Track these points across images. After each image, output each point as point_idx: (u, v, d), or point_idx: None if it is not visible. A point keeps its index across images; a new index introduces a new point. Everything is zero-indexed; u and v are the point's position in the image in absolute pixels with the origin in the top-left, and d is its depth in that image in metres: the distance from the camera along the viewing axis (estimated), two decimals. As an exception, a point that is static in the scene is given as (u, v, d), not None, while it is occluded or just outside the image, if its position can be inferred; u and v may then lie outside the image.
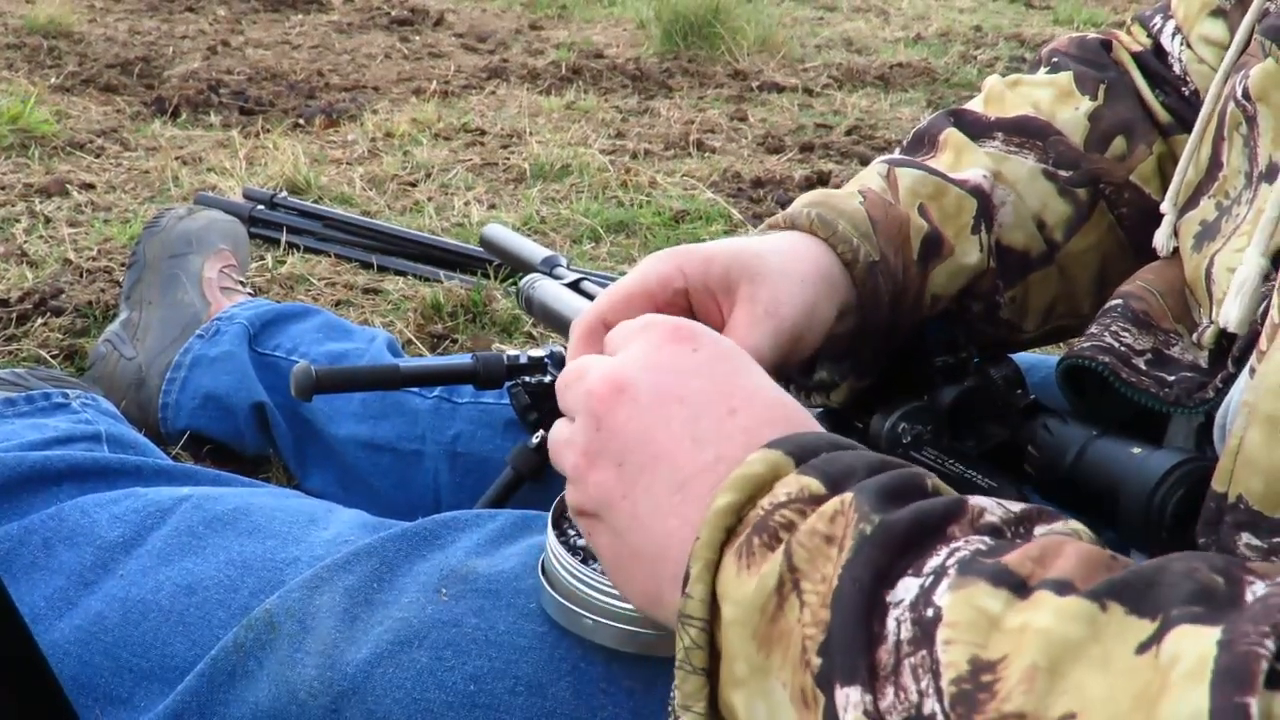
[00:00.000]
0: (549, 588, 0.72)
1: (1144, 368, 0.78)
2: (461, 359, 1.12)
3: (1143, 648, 0.41)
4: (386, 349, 1.43)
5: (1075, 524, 0.51)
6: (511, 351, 1.11)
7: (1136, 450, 0.76)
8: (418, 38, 4.52)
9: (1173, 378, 0.77)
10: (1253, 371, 0.62)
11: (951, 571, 0.46)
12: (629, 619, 0.69)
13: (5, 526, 0.91)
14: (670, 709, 0.55)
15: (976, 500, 0.51)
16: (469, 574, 0.77)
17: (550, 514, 0.76)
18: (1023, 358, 1.04)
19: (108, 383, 1.50)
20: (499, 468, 1.15)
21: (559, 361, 1.12)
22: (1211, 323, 0.76)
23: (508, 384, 1.13)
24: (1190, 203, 0.85)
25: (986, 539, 0.49)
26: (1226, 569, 0.43)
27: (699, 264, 0.78)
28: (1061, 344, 1.07)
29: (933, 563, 0.47)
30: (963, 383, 0.89)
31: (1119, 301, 0.83)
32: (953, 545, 0.48)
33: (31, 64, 3.60)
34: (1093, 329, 0.82)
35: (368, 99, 3.45)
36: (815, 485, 0.52)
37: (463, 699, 0.71)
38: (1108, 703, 0.40)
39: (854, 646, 0.46)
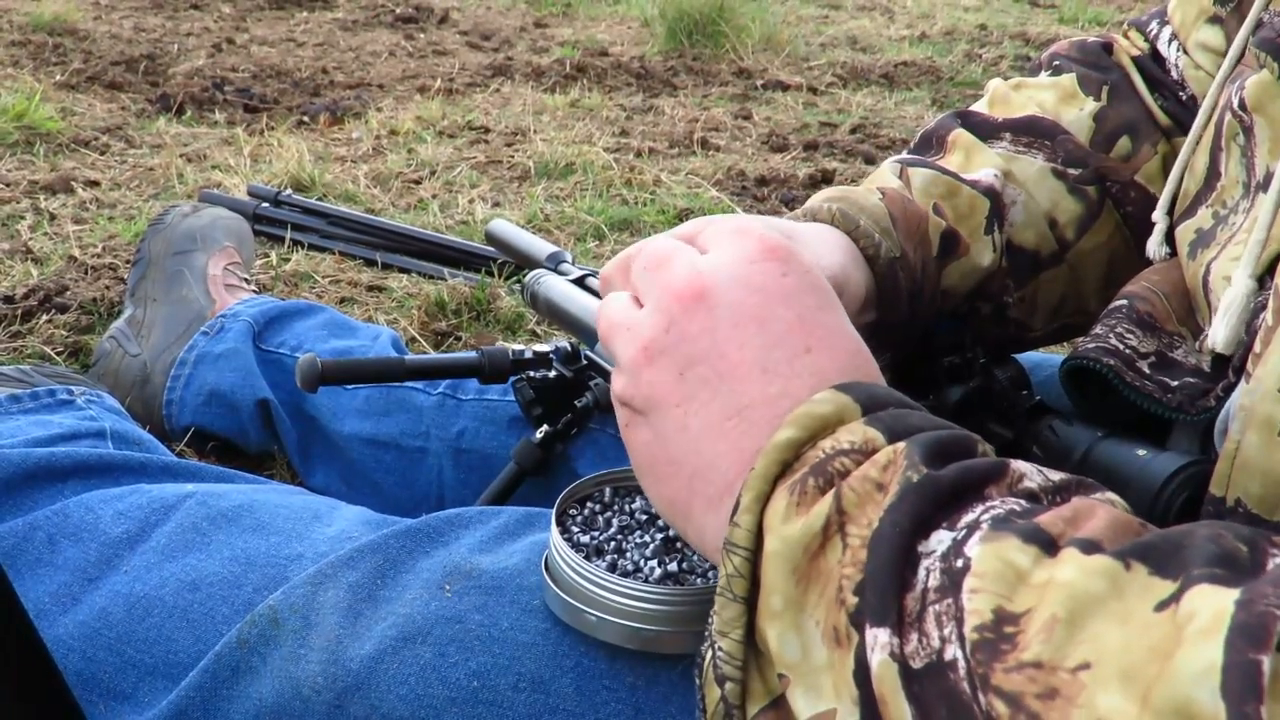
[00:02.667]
0: (552, 584, 0.72)
1: (1148, 371, 0.78)
2: (467, 354, 1.12)
3: (1162, 605, 0.41)
4: (391, 346, 1.44)
5: (1112, 495, 0.52)
6: (517, 346, 1.11)
7: (1142, 453, 0.76)
8: (422, 35, 4.52)
9: (1176, 383, 0.77)
10: (1248, 376, 0.62)
11: (984, 526, 0.47)
12: (632, 615, 0.69)
13: (10, 522, 0.91)
14: (708, 635, 0.55)
15: (1018, 465, 0.52)
16: (473, 570, 0.77)
17: (554, 511, 0.76)
18: (1027, 357, 1.04)
19: (112, 379, 1.51)
20: (503, 464, 1.15)
21: (564, 357, 1.12)
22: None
23: (512, 379, 1.13)
24: (1188, 212, 0.85)
25: (1022, 501, 0.49)
26: (1252, 538, 0.44)
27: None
28: (1066, 344, 1.07)
29: (967, 518, 0.48)
30: (968, 383, 0.89)
31: (1124, 302, 0.83)
32: (989, 504, 0.49)
33: (37, 61, 3.60)
34: (1097, 329, 0.82)
35: (372, 96, 3.45)
36: (879, 440, 0.53)
37: (466, 695, 0.71)
38: (1122, 654, 0.40)
39: (888, 589, 0.47)
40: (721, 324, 0.60)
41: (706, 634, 0.55)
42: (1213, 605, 0.39)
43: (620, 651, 0.71)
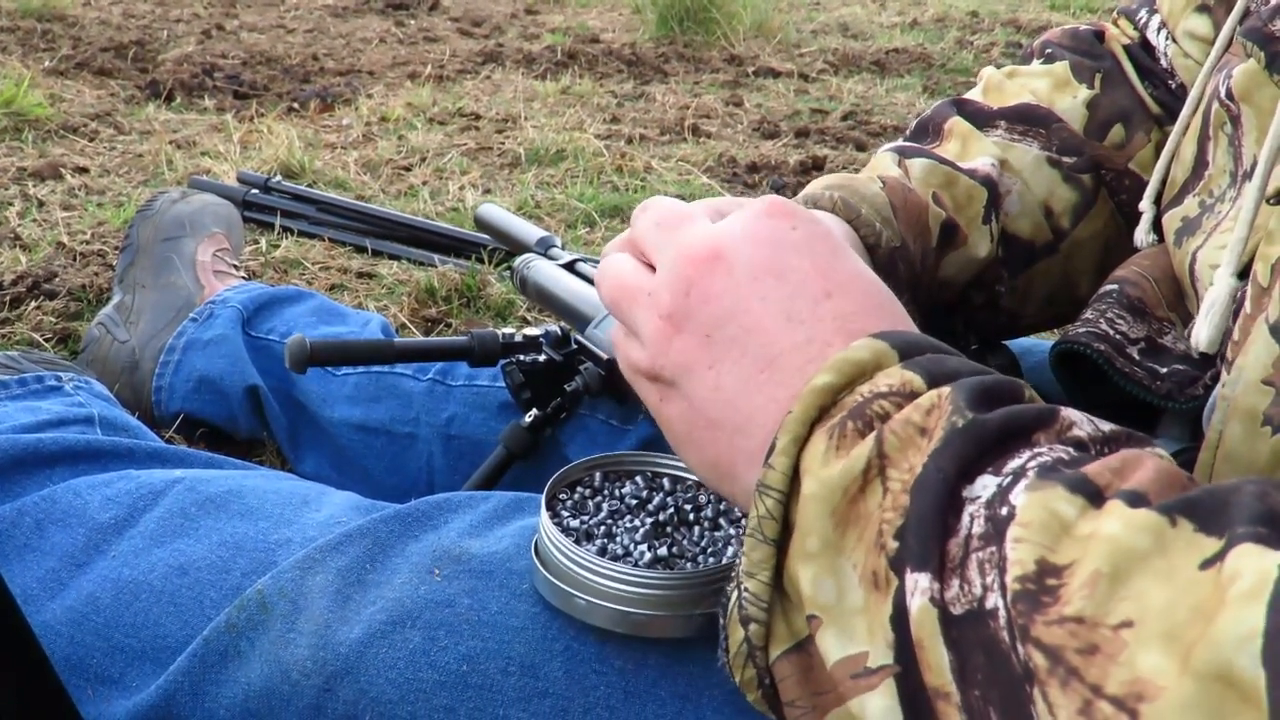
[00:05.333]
0: (542, 568, 0.72)
1: (1137, 357, 0.78)
2: (456, 337, 1.12)
3: (1206, 564, 0.40)
4: (380, 333, 1.43)
5: (1161, 449, 0.51)
6: (506, 330, 1.10)
7: (1131, 439, 0.76)
8: (413, 22, 4.51)
9: (1165, 370, 0.77)
10: (1229, 366, 0.62)
11: (1031, 474, 0.46)
12: (621, 599, 0.69)
13: (-2, 508, 0.91)
14: (734, 575, 0.55)
15: (1068, 413, 0.51)
16: (462, 555, 0.77)
17: (544, 495, 0.75)
18: (1018, 343, 1.04)
19: (101, 366, 1.50)
20: (493, 450, 1.15)
21: (554, 341, 1.11)
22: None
23: (502, 362, 1.13)
24: (1175, 200, 0.85)
25: (1070, 450, 0.49)
26: None
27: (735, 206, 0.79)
28: (1057, 330, 1.07)
29: (1013, 464, 0.48)
30: (959, 369, 0.89)
31: (1114, 287, 0.83)
32: (1036, 450, 0.48)
33: (25, 47, 3.59)
34: (1088, 314, 0.82)
35: (362, 83, 3.44)
36: (918, 382, 0.52)
37: (455, 679, 0.71)
38: (1165, 613, 0.40)
39: (930, 535, 0.47)
40: (740, 282, 0.60)
41: (733, 575, 0.56)
42: (1257, 567, 0.39)
43: (610, 636, 0.71)
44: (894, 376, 0.53)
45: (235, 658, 0.77)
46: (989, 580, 0.44)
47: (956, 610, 0.45)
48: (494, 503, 0.83)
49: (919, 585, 0.46)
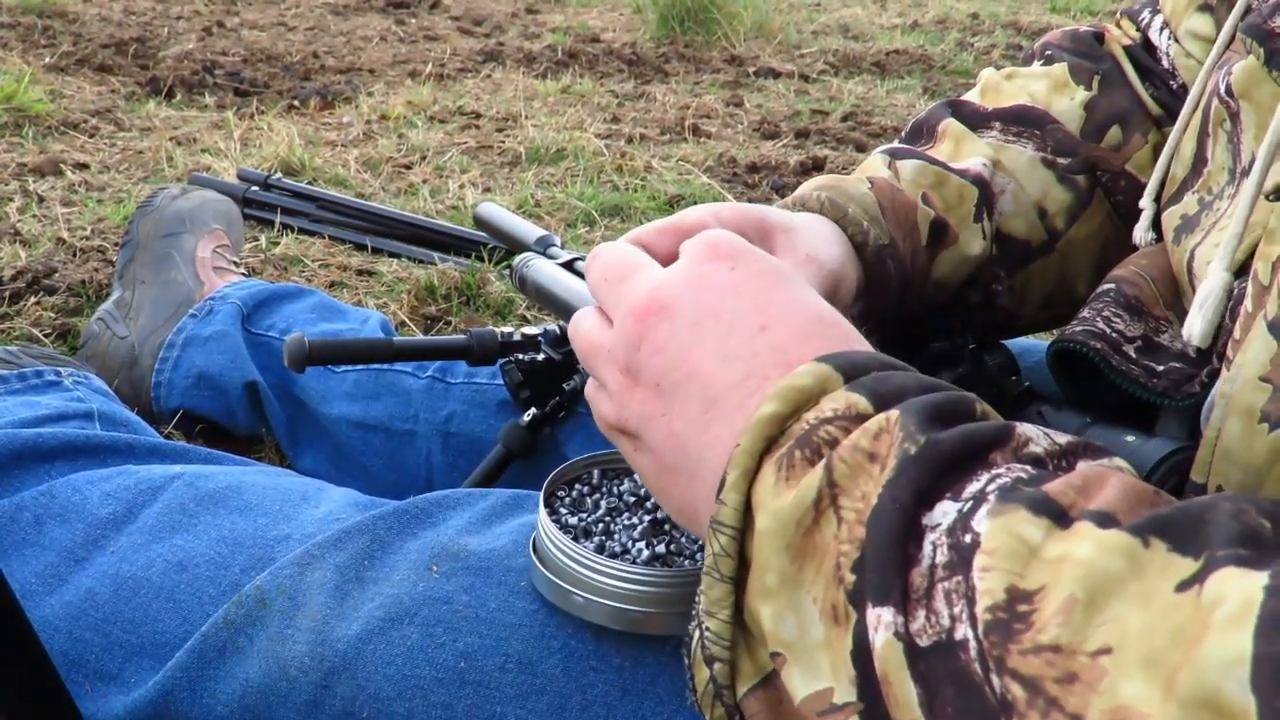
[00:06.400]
0: (540, 565, 0.72)
1: (1134, 355, 0.78)
2: (455, 336, 1.12)
3: (1183, 586, 0.40)
4: (380, 330, 1.43)
5: (1120, 461, 0.50)
6: (505, 329, 1.10)
7: (1130, 438, 0.76)
8: (413, 20, 4.51)
9: (1161, 367, 0.77)
10: (1229, 363, 0.61)
11: (991, 498, 0.46)
12: (619, 596, 0.69)
13: (-3, 503, 0.91)
14: (694, 615, 0.55)
15: (1023, 428, 0.51)
16: (460, 551, 0.77)
17: (542, 492, 0.76)
18: (1016, 343, 1.05)
19: (100, 361, 1.50)
20: (492, 448, 1.15)
21: (552, 340, 1.11)
22: None
23: (501, 361, 1.13)
24: (1174, 197, 0.85)
25: (1029, 468, 0.48)
26: (1275, 512, 0.43)
27: (737, 214, 0.79)
28: (1055, 330, 1.07)
29: (972, 488, 0.47)
30: (957, 369, 0.89)
31: (1111, 286, 0.83)
32: (994, 471, 0.48)
33: (26, 43, 3.59)
34: (1085, 313, 0.82)
35: (363, 81, 3.44)
36: (863, 404, 0.52)
37: (453, 675, 0.71)
38: (1144, 638, 0.39)
39: (889, 567, 0.46)
40: (681, 330, 0.60)
41: (694, 614, 0.55)
42: (1241, 590, 0.38)
43: (607, 633, 0.71)
44: (839, 400, 0.52)
45: (233, 654, 0.77)
46: (957, 610, 0.44)
47: (923, 642, 0.44)
48: (492, 500, 0.83)
49: (881, 620, 0.45)
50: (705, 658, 0.53)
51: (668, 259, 0.83)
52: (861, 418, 0.51)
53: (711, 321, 0.60)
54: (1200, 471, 0.61)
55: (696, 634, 0.54)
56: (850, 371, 0.54)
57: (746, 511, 0.52)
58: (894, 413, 0.50)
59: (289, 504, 0.88)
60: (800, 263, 0.78)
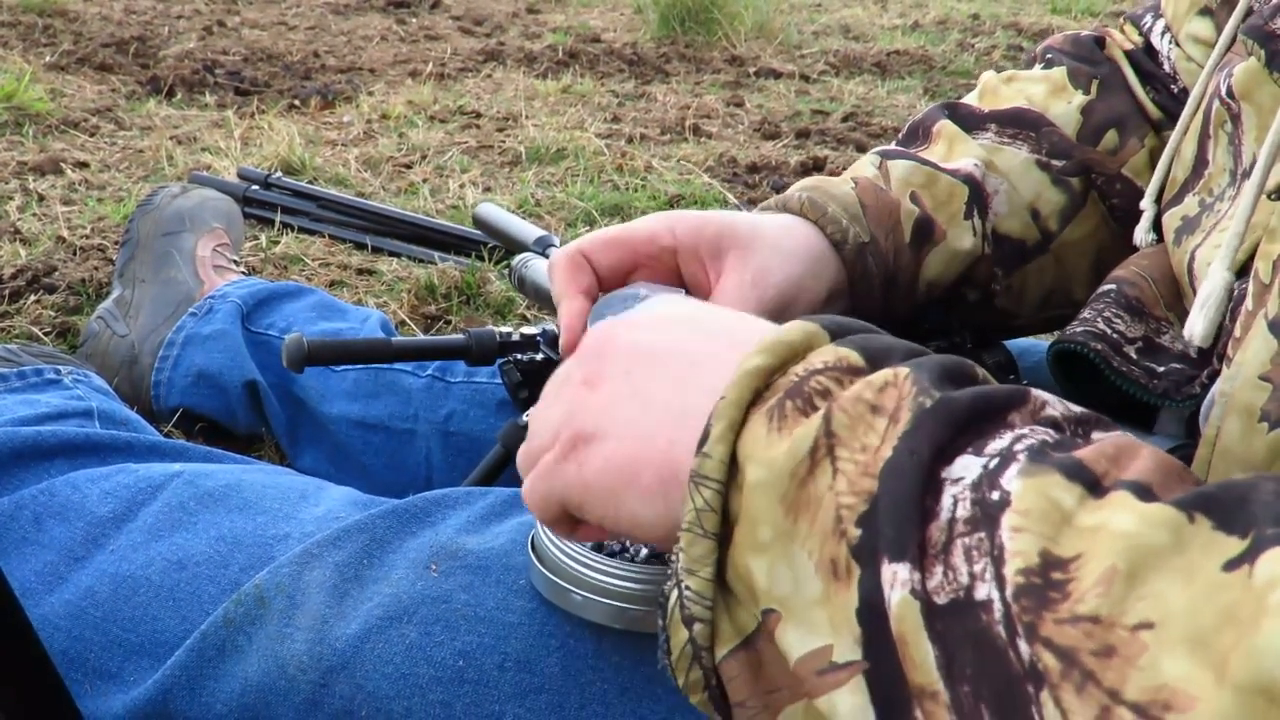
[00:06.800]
0: (538, 564, 0.72)
1: (1135, 356, 0.78)
2: (454, 336, 1.12)
3: (1231, 565, 0.38)
4: (380, 329, 1.43)
5: (1131, 435, 0.49)
6: (504, 329, 1.10)
7: (1128, 436, 0.76)
8: (414, 20, 4.51)
9: (1162, 369, 0.77)
10: (1228, 362, 0.61)
11: (1021, 457, 0.44)
12: (618, 595, 0.69)
13: (-4, 501, 0.91)
14: (671, 574, 0.52)
15: (1039, 392, 0.50)
16: (459, 550, 0.77)
17: (541, 491, 0.75)
18: (1015, 343, 1.05)
19: (100, 360, 1.50)
20: (491, 447, 1.15)
21: (552, 340, 1.11)
22: None
23: (500, 361, 1.13)
24: (1175, 199, 0.85)
25: (1051, 432, 0.47)
26: None
27: (692, 227, 0.79)
28: (1055, 332, 1.07)
29: (996, 445, 0.46)
30: (956, 367, 0.89)
31: (1112, 286, 0.83)
32: (1017, 432, 0.46)
33: (26, 42, 3.59)
34: (1085, 313, 0.82)
35: (363, 81, 3.44)
36: (855, 357, 0.51)
37: (452, 674, 0.71)
38: (1189, 616, 0.38)
39: (906, 522, 0.44)
40: (647, 329, 0.60)
41: (670, 574, 0.53)
42: None
43: (606, 631, 0.71)
44: (828, 354, 0.52)
45: (232, 653, 0.77)
46: (978, 569, 0.42)
47: (940, 600, 0.43)
48: (491, 499, 0.83)
49: (898, 577, 0.44)
50: (684, 618, 0.52)
51: (612, 273, 0.84)
52: (854, 370, 0.51)
53: (681, 314, 0.61)
54: (1199, 470, 0.61)
55: (675, 594, 0.52)
56: (837, 330, 0.54)
57: (731, 464, 0.51)
58: (903, 369, 0.49)
59: (288, 503, 0.88)
60: (744, 286, 0.79)
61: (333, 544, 0.80)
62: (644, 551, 0.72)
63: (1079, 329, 0.80)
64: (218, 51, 3.68)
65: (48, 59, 3.38)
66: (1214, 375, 0.72)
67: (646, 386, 0.57)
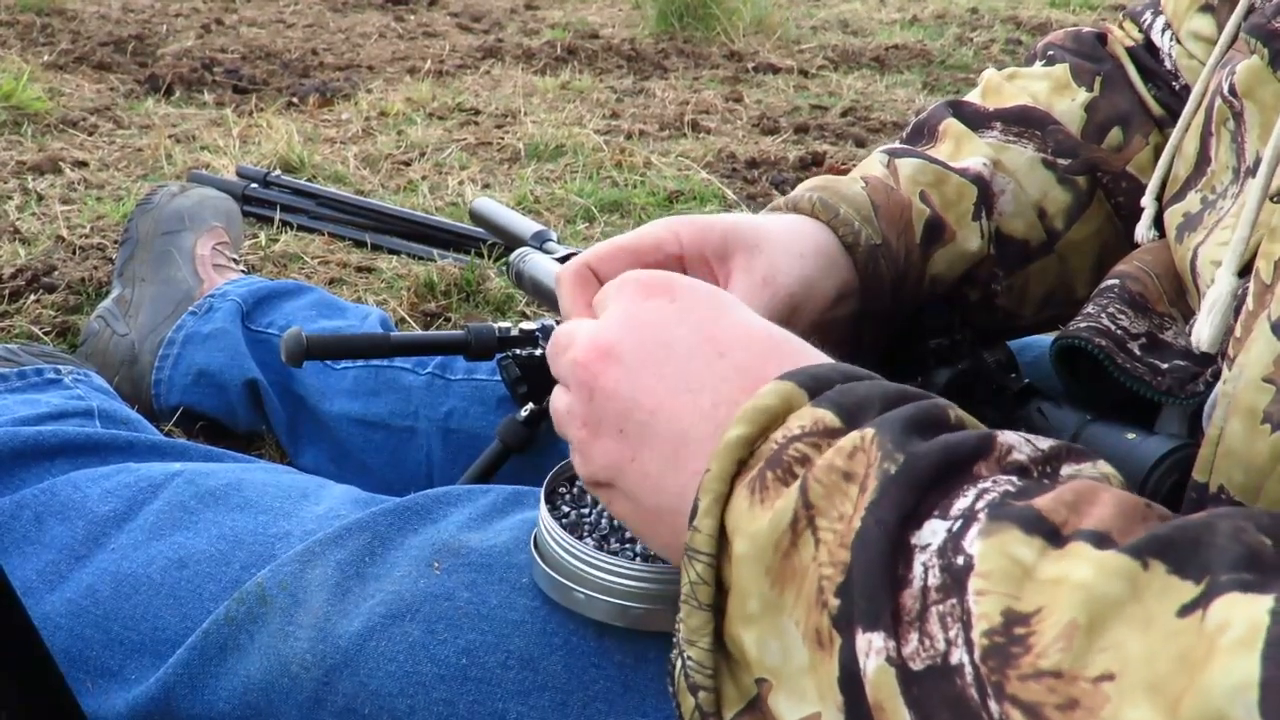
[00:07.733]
0: (541, 562, 0.72)
1: (1138, 353, 0.77)
2: (453, 331, 1.12)
3: (1186, 610, 0.39)
4: (380, 327, 1.43)
5: (1104, 466, 0.50)
6: (503, 324, 1.10)
7: (1130, 436, 0.75)
8: (412, 17, 4.51)
9: (1166, 365, 0.76)
10: (1231, 362, 0.61)
11: (981, 516, 0.45)
12: (621, 593, 0.69)
13: (-3, 501, 0.91)
14: (675, 643, 0.54)
15: (1004, 436, 0.50)
16: (461, 548, 0.77)
17: (543, 488, 0.76)
18: (1016, 339, 1.04)
19: (100, 359, 1.50)
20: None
21: (550, 335, 1.11)
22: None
23: (499, 356, 1.13)
24: (1177, 196, 0.85)
25: (1015, 479, 0.48)
26: (1275, 528, 0.42)
27: (697, 231, 0.79)
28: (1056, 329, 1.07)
29: (960, 504, 0.46)
30: (957, 365, 0.89)
31: (1115, 282, 0.83)
32: (980, 486, 0.47)
33: (24, 41, 3.59)
34: (1089, 308, 0.82)
35: (362, 78, 3.44)
36: (830, 418, 0.51)
37: (454, 672, 0.71)
38: (1147, 664, 0.39)
39: (878, 591, 0.45)
40: (632, 369, 0.60)
41: (674, 642, 0.55)
42: (1247, 616, 0.37)
43: (609, 629, 0.71)
44: (805, 417, 0.52)
45: (234, 651, 0.77)
46: (952, 634, 0.43)
47: (917, 666, 0.44)
48: (493, 496, 0.83)
49: (873, 645, 0.45)
50: (689, 686, 0.53)
51: None
52: (830, 432, 0.51)
53: (664, 354, 0.60)
54: (1203, 470, 0.61)
55: (679, 663, 0.54)
56: (814, 386, 0.54)
57: (721, 537, 0.52)
58: (869, 430, 0.50)
59: (289, 501, 0.88)
60: (754, 288, 0.78)
61: (334, 542, 0.80)
62: (647, 550, 0.72)
63: (1082, 324, 0.79)
64: (216, 50, 3.67)
65: (46, 58, 3.37)
66: (1218, 373, 0.72)
67: (641, 455, 0.59)
